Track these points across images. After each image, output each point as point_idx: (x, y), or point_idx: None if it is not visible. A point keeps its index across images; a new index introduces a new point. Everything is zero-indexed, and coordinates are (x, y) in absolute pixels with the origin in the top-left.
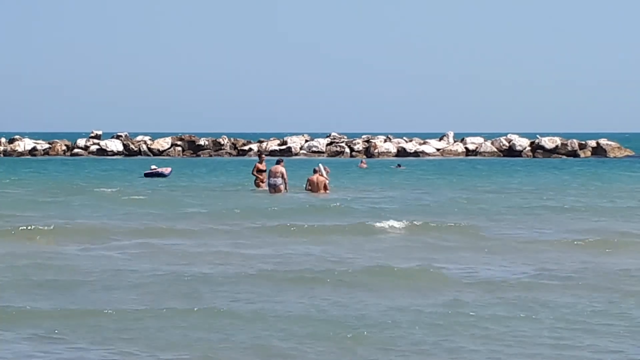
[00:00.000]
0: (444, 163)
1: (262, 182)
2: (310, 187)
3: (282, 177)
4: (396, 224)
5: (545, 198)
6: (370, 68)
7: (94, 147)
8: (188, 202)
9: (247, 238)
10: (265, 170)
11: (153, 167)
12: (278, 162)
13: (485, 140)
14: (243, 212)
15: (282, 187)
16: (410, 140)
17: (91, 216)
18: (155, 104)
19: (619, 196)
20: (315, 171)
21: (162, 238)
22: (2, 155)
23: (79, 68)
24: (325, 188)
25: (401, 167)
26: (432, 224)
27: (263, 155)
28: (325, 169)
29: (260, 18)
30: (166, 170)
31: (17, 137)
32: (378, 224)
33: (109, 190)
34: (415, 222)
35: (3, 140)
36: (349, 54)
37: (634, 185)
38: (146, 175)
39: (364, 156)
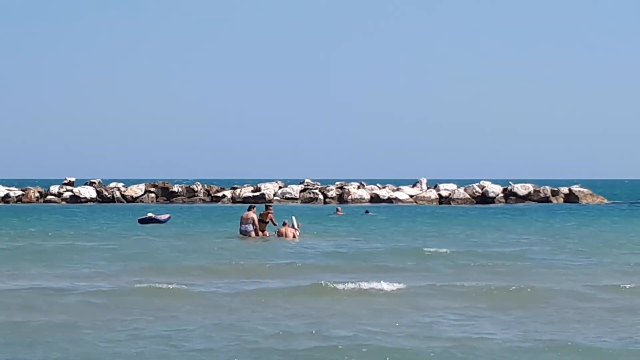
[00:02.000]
0: (416, 209)
1: (263, 231)
2: (278, 235)
3: (253, 222)
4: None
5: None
6: (345, 113)
7: (67, 194)
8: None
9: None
10: (266, 222)
11: (150, 214)
12: (250, 209)
13: (458, 187)
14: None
15: (252, 233)
16: (384, 187)
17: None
18: (128, 150)
19: None
20: (284, 224)
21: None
22: None
23: (52, 114)
24: (293, 236)
25: (369, 213)
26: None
27: (254, 206)
28: (296, 222)
29: (236, 60)
30: (163, 216)
31: None
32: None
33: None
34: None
35: None
36: (322, 99)
37: None
38: (140, 221)
39: (339, 203)
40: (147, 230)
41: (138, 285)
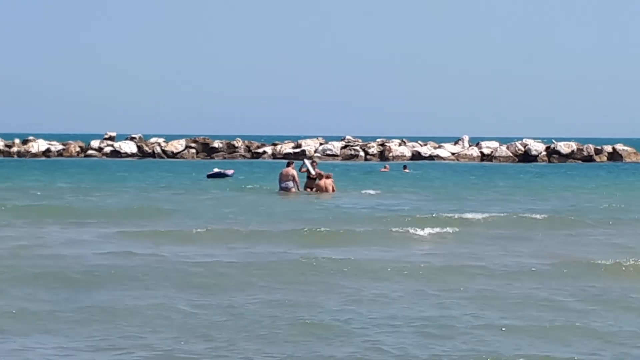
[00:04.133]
0: (457, 167)
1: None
2: (316, 189)
3: (294, 179)
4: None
5: None
6: (386, 71)
7: (107, 149)
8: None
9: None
10: (314, 178)
11: (216, 169)
12: (288, 165)
13: (500, 145)
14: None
15: (293, 189)
16: (425, 144)
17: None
18: (169, 106)
19: None
20: (321, 176)
21: None
22: (15, 156)
23: (94, 69)
24: (333, 189)
25: (407, 170)
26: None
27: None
28: (310, 166)
29: (273, 17)
30: (229, 171)
31: (30, 138)
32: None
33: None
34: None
35: (17, 141)
36: (365, 57)
37: None
38: (209, 176)
39: (379, 160)
40: (223, 185)
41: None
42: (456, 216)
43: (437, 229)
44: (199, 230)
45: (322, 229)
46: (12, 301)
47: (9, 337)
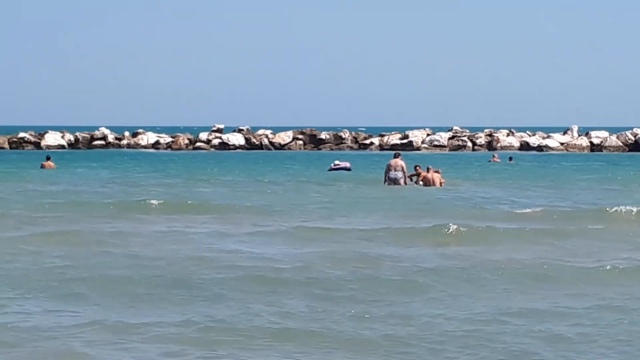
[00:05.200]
0: (567, 157)
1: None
2: (423, 183)
3: (402, 170)
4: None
5: None
6: (492, 61)
7: (216, 141)
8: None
9: None
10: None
11: (337, 161)
12: (396, 156)
13: (610, 135)
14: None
15: (401, 181)
16: (534, 135)
17: None
18: (275, 98)
19: None
20: (428, 169)
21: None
22: (125, 148)
23: (198, 64)
24: (440, 183)
25: (512, 161)
26: None
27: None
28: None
29: (386, 14)
30: (348, 164)
31: (140, 130)
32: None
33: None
34: None
35: (127, 134)
36: (471, 47)
37: None
38: (330, 170)
39: (487, 151)
40: (348, 177)
41: None
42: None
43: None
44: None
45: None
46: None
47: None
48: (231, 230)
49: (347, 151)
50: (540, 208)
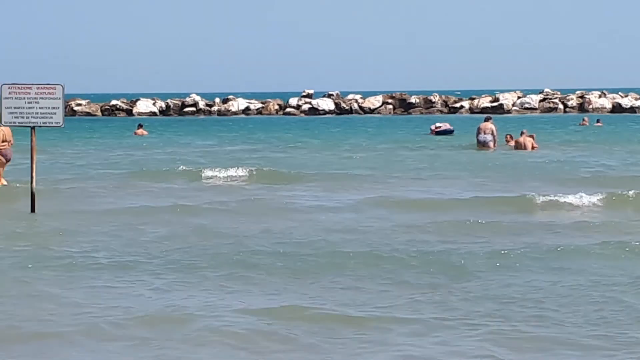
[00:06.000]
0: None
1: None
2: (515, 146)
3: (492, 133)
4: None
5: None
6: (583, 22)
7: (305, 106)
8: None
9: None
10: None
11: (438, 124)
12: (487, 120)
13: None
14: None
15: (491, 144)
16: (626, 96)
17: None
18: (364, 64)
19: None
20: (522, 133)
21: None
22: (216, 114)
23: (290, 31)
24: (532, 147)
25: (599, 124)
26: None
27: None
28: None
29: None
30: (449, 125)
31: (230, 97)
32: None
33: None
34: None
35: (217, 100)
36: (562, 6)
37: None
38: (435, 133)
39: (579, 112)
40: (453, 142)
41: None
42: None
43: None
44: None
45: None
46: None
47: None
48: (339, 198)
49: (437, 115)
50: None
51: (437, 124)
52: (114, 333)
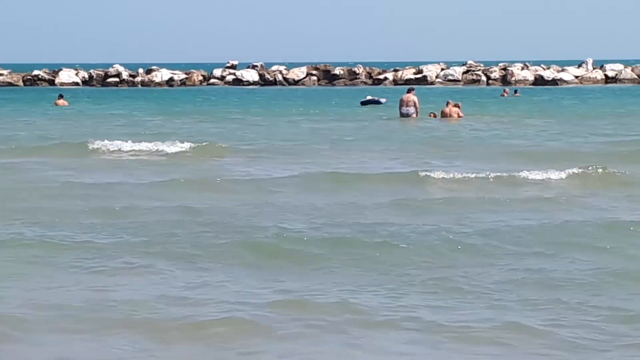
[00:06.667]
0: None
1: None
2: (442, 115)
3: (415, 105)
4: None
5: None
6: None
7: (230, 77)
8: None
9: None
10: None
11: (369, 96)
12: (409, 91)
13: (625, 67)
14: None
15: (414, 115)
16: (548, 68)
17: None
18: (289, 34)
19: None
20: (447, 103)
21: None
22: (140, 85)
23: (214, 0)
24: (458, 116)
25: (518, 94)
26: None
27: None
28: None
29: None
30: (383, 99)
31: (154, 67)
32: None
33: None
34: None
35: (141, 71)
36: None
37: None
38: (362, 103)
39: (502, 85)
40: (379, 112)
41: None
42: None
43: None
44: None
45: None
46: None
47: None
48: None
49: (361, 86)
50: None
51: (368, 96)
52: None
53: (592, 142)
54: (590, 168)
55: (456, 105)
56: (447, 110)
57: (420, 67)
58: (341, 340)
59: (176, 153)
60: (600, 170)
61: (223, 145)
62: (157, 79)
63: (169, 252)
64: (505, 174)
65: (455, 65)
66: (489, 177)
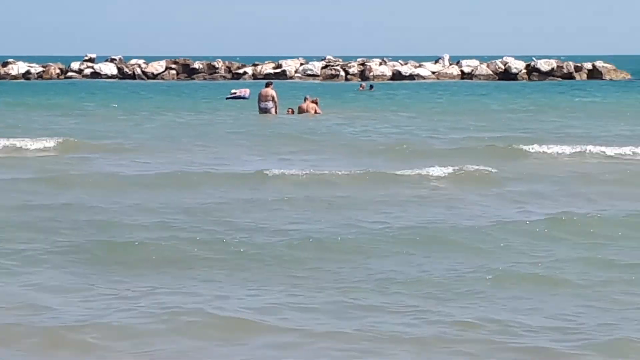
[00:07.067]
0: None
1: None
2: (299, 111)
3: (273, 100)
4: None
5: None
6: None
7: (87, 71)
8: None
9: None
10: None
11: (234, 90)
12: (267, 85)
13: (480, 63)
14: None
15: (273, 110)
16: (406, 64)
17: None
18: (149, 27)
19: None
20: (305, 99)
21: None
22: None
23: None
24: (315, 112)
25: (373, 89)
26: None
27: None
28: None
29: None
30: (246, 92)
31: (10, 60)
32: None
33: None
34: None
35: None
36: None
37: None
38: (228, 99)
39: (360, 80)
40: (240, 107)
41: None
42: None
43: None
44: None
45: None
46: None
47: None
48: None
49: (221, 81)
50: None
51: (233, 90)
52: None
53: (454, 137)
54: (455, 166)
55: (314, 102)
56: (304, 105)
57: (280, 61)
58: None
59: (30, 149)
60: (466, 167)
61: (74, 140)
62: (14, 72)
63: None
64: (359, 171)
65: (314, 61)
66: (340, 173)
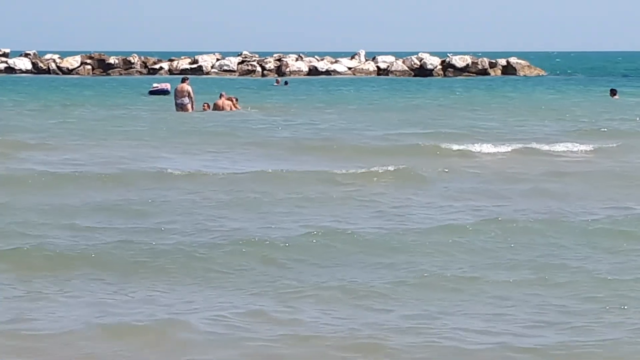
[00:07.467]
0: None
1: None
2: (214, 108)
3: (189, 95)
4: None
5: None
6: None
7: (1, 65)
8: None
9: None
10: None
11: (155, 84)
12: (183, 81)
13: (396, 59)
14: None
15: (189, 106)
16: (322, 59)
17: None
18: (64, 21)
19: None
20: (221, 95)
21: None
22: None
23: None
24: (230, 108)
25: (288, 85)
26: None
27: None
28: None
29: None
30: (167, 86)
31: None
32: None
33: None
34: None
35: None
36: None
37: None
38: (151, 93)
39: (277, 76)
40: (158, 102)
41: None
42: None
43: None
44: None
45: None
46: None
47: None
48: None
49: (137, 76)
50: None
51: (155, 84)
52: None
53: (376, 135)
54: (379, 166)
55: (230, 99)
56: (220, 102)
57: (196, 57)
58: None
59: None
60: (390, 167)
61: None
62: None
63: None
64: (270, 169)
65: (230, 56)
66: (243, 172)
